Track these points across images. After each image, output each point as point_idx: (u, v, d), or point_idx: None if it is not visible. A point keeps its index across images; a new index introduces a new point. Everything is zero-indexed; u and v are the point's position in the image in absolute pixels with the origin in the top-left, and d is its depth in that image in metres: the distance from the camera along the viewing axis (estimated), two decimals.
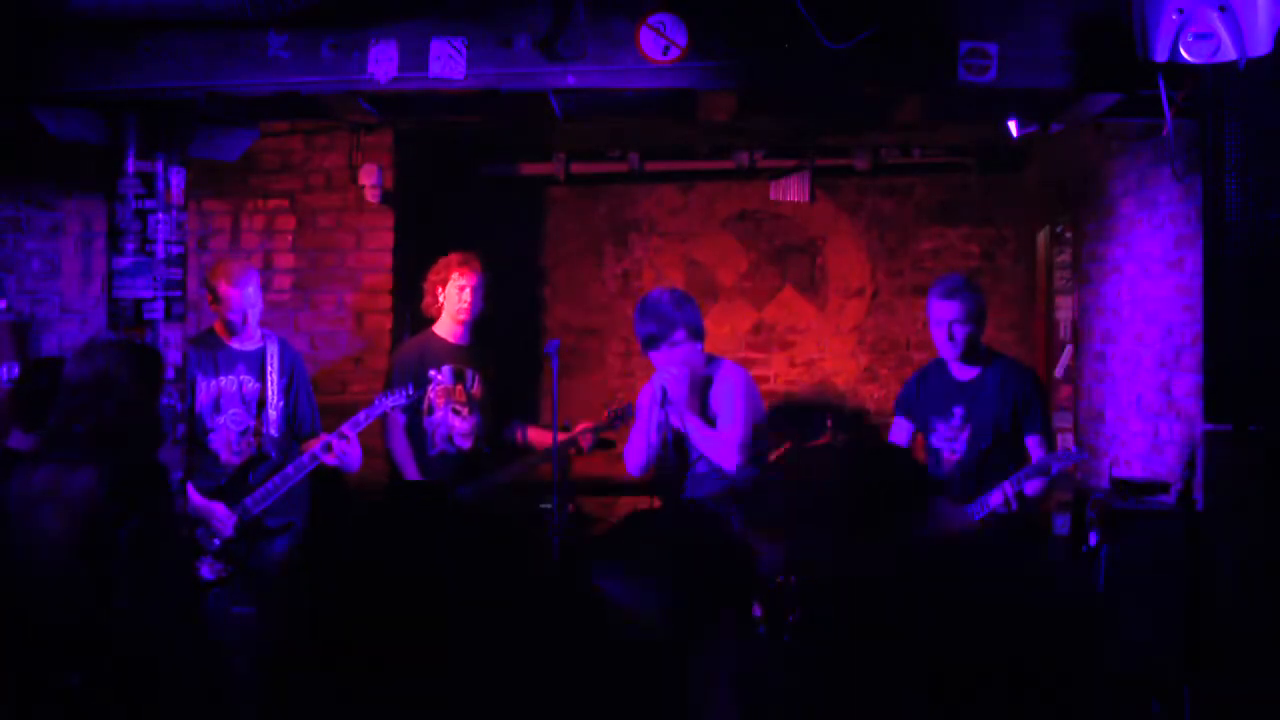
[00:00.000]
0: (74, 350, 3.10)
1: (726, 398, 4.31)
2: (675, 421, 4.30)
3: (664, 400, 4.27)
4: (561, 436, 4.89)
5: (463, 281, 5.08)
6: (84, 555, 2.74)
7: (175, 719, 2.72)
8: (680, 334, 4.25)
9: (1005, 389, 4.42)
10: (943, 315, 4.41)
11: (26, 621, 2.79)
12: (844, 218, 7.19)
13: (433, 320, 5.23)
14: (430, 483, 4.75)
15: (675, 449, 4.40)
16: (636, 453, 4.42)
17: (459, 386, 5.10)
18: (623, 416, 5.05)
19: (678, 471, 4.43)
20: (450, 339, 5.14)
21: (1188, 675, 3.89)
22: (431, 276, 5.17)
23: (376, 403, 4.84)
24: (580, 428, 5.11)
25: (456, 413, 5.09)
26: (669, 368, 4.25)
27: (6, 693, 2.78)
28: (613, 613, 1.53)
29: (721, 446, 4.22)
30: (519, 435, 5.29)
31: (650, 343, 4.29)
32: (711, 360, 4.45)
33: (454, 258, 5.14)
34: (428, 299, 5.19)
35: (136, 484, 2.78)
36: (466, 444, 5.10)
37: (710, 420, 4.29)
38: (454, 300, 5.09)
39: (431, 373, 5.07)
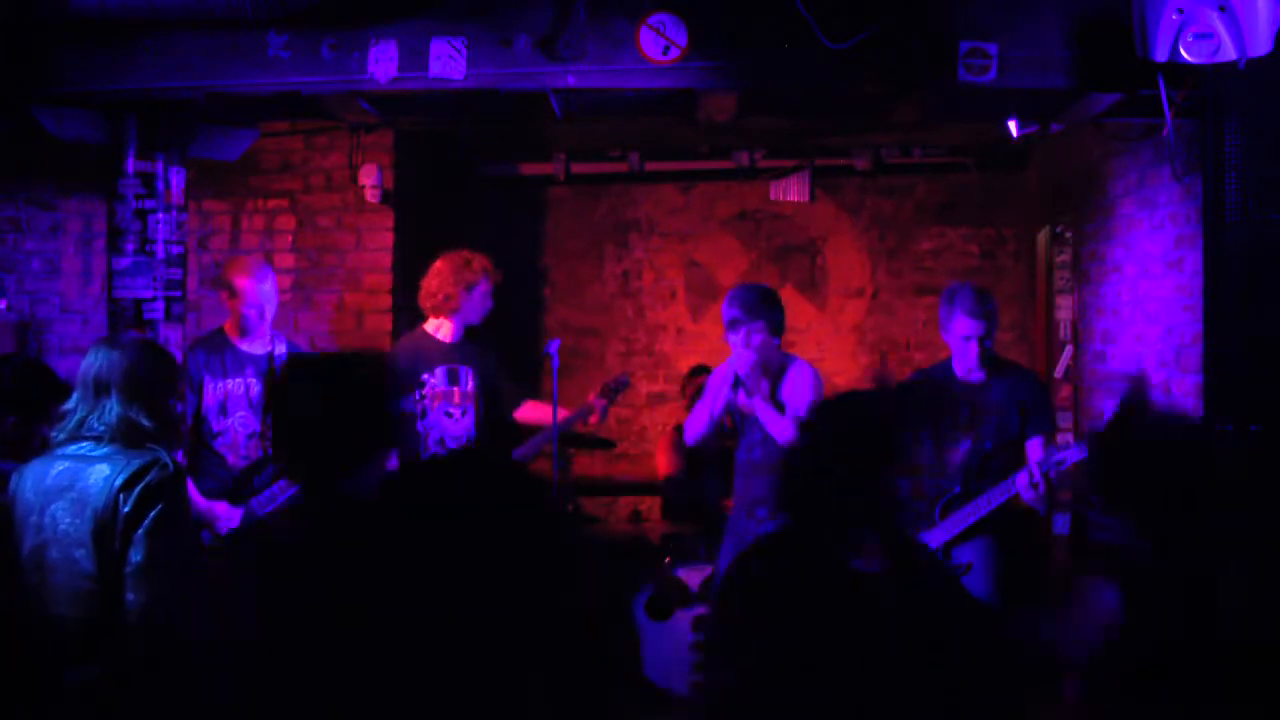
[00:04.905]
0: (93, 346, 3.07)
1: (796, 388, 4.49)
2: (742, 402, 4.46)
3: (736, 383, 4.49)
4: (564, 412, 4.94)
5: (488, 286, 4.97)
6: (96, 552, 2.74)
7: (183, 716, 2.72)
8: (759, 325, 4.41)
9: (1014, 394, 4.40)
10: (968, 331, 4.38)
11: (37, 617, 2.79)
12: (844, 218, 7.19)
13: (424, 316, 5.05)
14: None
15: (734, 430, 4.67)
16: (698, 423, 4.67)
17: (455, 389, 4.99)
18: (619, 388, 5.19)
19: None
20: (445, 339, 4.95)
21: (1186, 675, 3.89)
22: (460, 276, 4.89)
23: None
24: (589, 399, 5.15)
25: (449, 415, 4.96)
26: (742, 352, 4.44)
27: (16, 688, 2.78)
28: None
29: (783, 424, 4.39)
30: (521, 414, 5.15)
31: (732, 326, 4.51)
32: (786, 356, 4.61)
33: (479, 259, 4.93)
34: (445, 299, 4.91)
35: (152, 482, 2.78)
36: (458, 446, 5.01)
37: (779, 407, 4.45)
38: (478, 304, 4.91)
39: (425, 376, 4.94)
